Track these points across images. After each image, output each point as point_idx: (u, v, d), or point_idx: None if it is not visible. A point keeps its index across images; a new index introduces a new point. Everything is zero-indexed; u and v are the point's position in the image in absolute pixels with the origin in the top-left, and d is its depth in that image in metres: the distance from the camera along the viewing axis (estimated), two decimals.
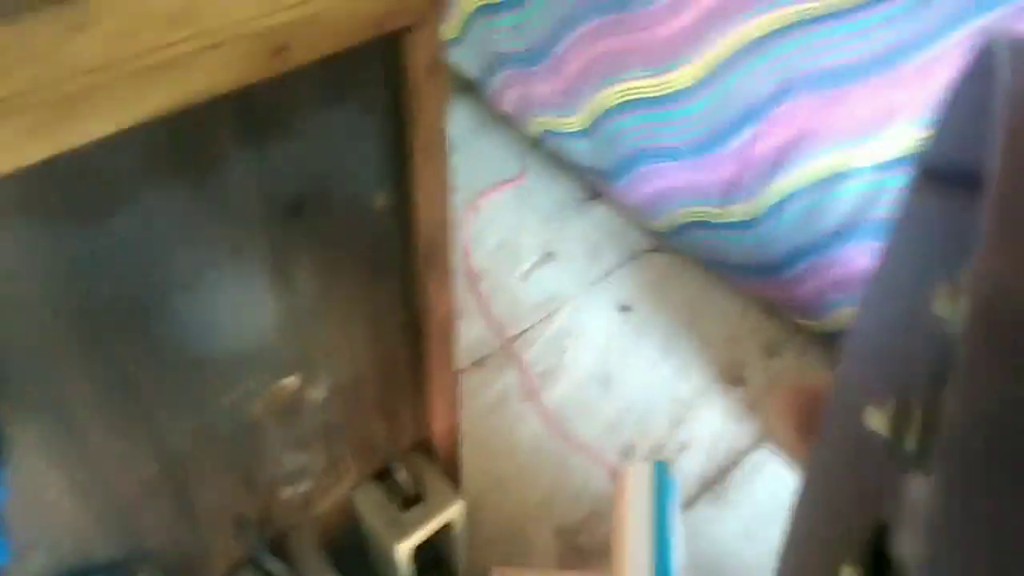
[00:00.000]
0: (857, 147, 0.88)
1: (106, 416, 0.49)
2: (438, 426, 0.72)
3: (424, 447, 0.74)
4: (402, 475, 0.69)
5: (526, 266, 1.24)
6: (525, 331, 1.15)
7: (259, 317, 0.54)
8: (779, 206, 0.94)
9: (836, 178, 0.90)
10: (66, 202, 0.40)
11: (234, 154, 0.45)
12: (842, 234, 0.89)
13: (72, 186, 0.40)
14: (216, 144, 0.45)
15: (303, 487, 0.66)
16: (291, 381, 0.58)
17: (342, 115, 0.49)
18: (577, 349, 1.12)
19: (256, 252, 0.51)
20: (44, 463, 0.48)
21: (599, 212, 1.31)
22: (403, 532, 0.68)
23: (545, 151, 1.36)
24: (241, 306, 0.52)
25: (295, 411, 0.60)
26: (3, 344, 0.42)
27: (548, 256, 1.25)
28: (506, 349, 1.12)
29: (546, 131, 1.27)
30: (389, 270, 0.59)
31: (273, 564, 0.63)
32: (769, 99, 0.94)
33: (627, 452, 1.00)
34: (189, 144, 0.43)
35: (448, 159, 0.55)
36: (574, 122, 1.19)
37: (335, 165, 0.51)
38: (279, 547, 0.65)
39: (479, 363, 1.10)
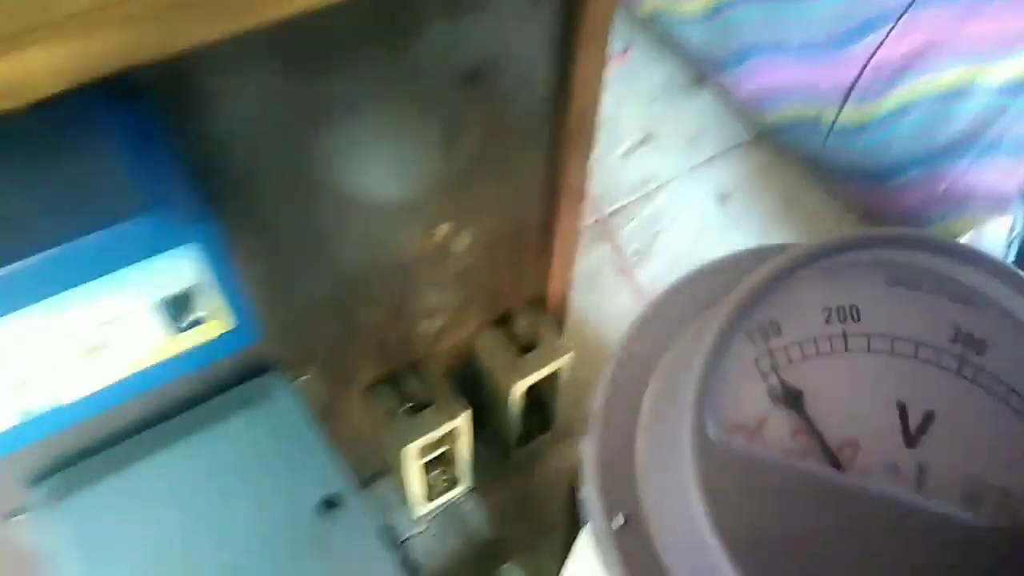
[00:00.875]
0: (985, 65, 0.89)
1: (298, 241, 0.58)
2: (555, 285, 0.80)
3: (540, 302, 0.82)
4: (521, 324, 0.78)
5: (625, 146, 1.27)
6: (621, 208, 1.20)
7: (428, 170, 0.61)
8: (896, 114, 0.96)
9: (959, 94, 0.91)
10: (292, 60, 0.47)
11: (429, 25, 0.51)
12: (956, 150, 0.91)
13: (296, 47, 0.47)
14: (416, 14, 0.50)
15: (437, 323, 0.75)
16: (444, 227, 0.66)
17: None
18: (671, 232, 1.18)
19: (434, 113, 0.57)
20: (249, 272, 0.57)
21: (704, 99, 1.33)
22: (519, 374, 0.77)
23: (654, 32, 1.36)
24: (415, 160, 0.59)
25: (443, 256, 0.68)
26: (229, 172, 0.50)
27: (648, 137, 1.29)
28: (601, 224, 1.18)
29: (659, 12, 1.27)
30: (539, 140, 0.65)
31: (407, 382, 0.73)
32: (901, 5, 0.94)
33: None
34: (393, 14, 0.49)
35: (607, 49, 0.60)
36: (691, 7, 1.19)
37: (511, 42, 0.56)
38: (412, 370, 0.75)
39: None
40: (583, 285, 1.12)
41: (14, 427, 0.40)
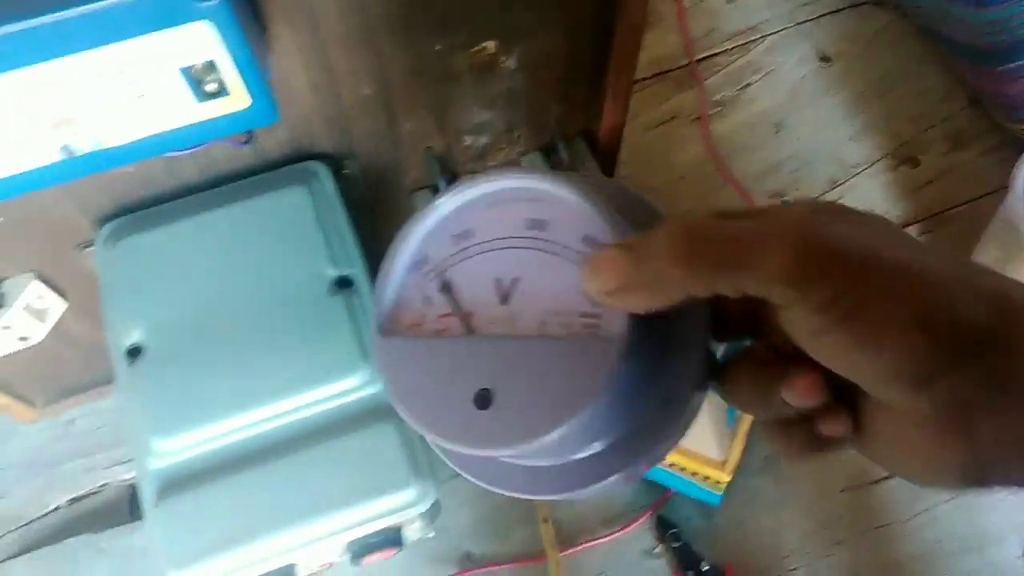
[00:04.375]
0: None
1: (345, 34, 0.61)
2: (606, 122, 0.81)
3: (590, 138, 0.83)
4: (564, 155, 0.79)
5: None
6: (715, 54, 1.16)
7: None
8: None
9: None
10: None
11: None
12: None
13: None
14: None
15: (482, 141, 0.78)
16: (490, 45, 0.67)
17: None
18: (761, 86, 1.13)
19: None
20: (295, 63, 0.61)
21: None
22: None
23: None
24: None
25: (489, 73, 0.70)
26: None
27: None
28: (691, 69, 1.14)
29: None
30: None
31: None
32: None
33: (775, 198, 1.06)
34: None
35: None
36: None
37: None
38: (453, 184, 0.79)
39: (660, 76, 1.14)
40: (654, 128, 1.11)
41: (64, 161, 0.47)
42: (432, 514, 0.61)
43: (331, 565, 0.63)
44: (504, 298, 0.28)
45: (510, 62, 0.70)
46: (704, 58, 1.16)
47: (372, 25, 0.61)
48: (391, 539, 0.61)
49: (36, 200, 0.61)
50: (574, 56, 0.72)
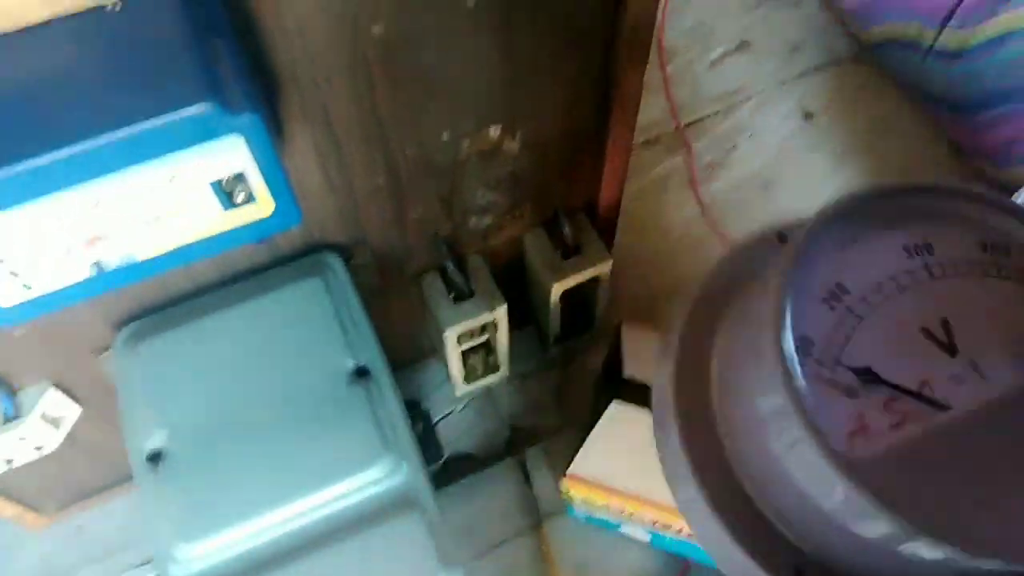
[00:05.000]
0: None
1: (357, 132, 0.62)
2: (606, 193, 0.82)
3: (589, 209, 0.85)
4: (567, 228, 0.81)
5: (717, 52, 1.24)
6: (702, 119, 1.19)
7: (481, 70, 0.63)
8: (994, 43, 0.90)
9: None
10: None
11: None
12: None
13: None
14: None
15: (487, 221, 0.79)
16: (494, 130, 0.69)
17: None
18: (749, 147, 1.16)
19: (489, 10, 0.59)
20: (311, 161, 0.62)
21: (806, 8, 1.27)
22: (560, 275, 0.81)
23: None
24: (469, 58, 0.62)
25: (493, 156, 0.71)
26: (294, 65, 0.54)
27: (743, 45, 1.25)
28: (679, 133, 1.17)
29: None
30: (593, 44, 0.66)
31: (455, 274, 0.78)
32: None
33: None
34: None
35: None
36: None
37: None
38: (460, 264, 0.80)
39: (651, 142, 1.17)
40: (651, 191, 1.13)
41: (94, 276, 0.47)
42: None
43: None
44: (949, 348, 0.22)
45: (514, 145, 0.71)
46: (691, 123, 1.19)
47: (383, 120, 0.62)
48: None
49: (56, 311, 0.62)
50: (575, 133, 0.74)
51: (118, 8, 0.43)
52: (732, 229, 1.09)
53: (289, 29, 0.52)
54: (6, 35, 0.41)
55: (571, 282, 0.82)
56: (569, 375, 0.99)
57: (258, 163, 0.45)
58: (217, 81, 0.42)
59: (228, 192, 0.46)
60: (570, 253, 0.82)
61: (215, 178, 0.45)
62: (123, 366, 0.65)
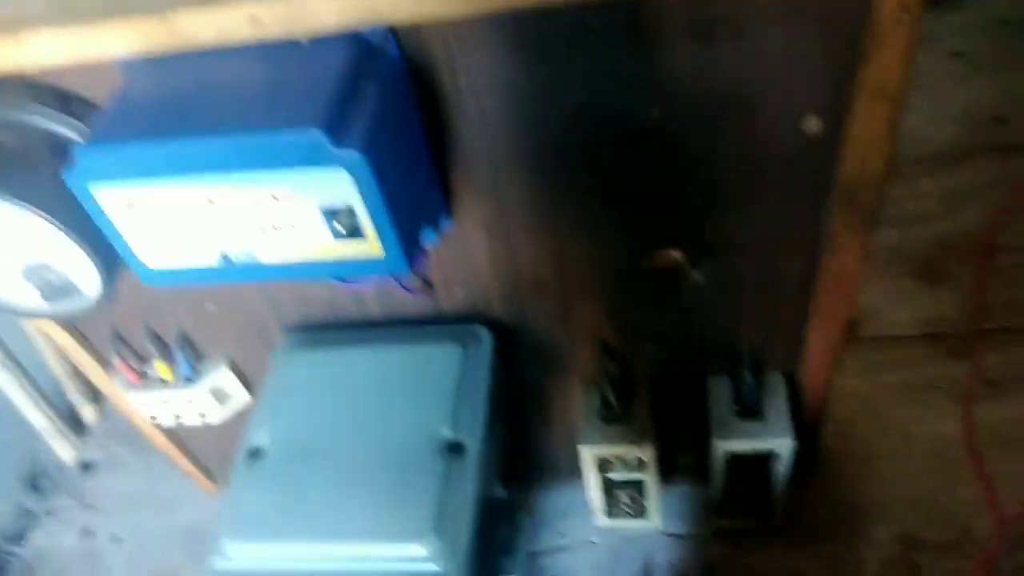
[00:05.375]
0: None
1: (527, 217, 0.63)
2: (811, 366, 0.72)
3: (792, 379, 0.74)
4: (749, 385, 0.71)
5: None
6: (1007, 329, 0.99)
7: (670, 197, 0.60)
8: None
9: None
10: (534, 48, 0.51)
11: (680, 42, 0.50)
12: None
13: (536, 39, 0.51)
14: (666, 31, 0.50)
15: (663, 352, 0.73)
16: (672, 254, 0.64)
17: (795, 26, 0.49)
18: None
19: (678, 137, 0.56)
20: (479, 234, 0.64)
21: None
22: (726, 434, 0.72)
23: None
24: (654, 186, 0.59)
25: (673, 281, 0.66)
26: (471, 144, 0.57)
27: None
28: (971, 339, 0.98)
29: None
30: (800, 194, 0.59)
31: (610, 393, 0.74)
32: None
33: None
34: (643, 27, 0.50)
35: (901, 103, 0.51)
36: None
37: (773, 68, 0.51)
38: (620, 385, 0.75)
39: (934, 337, 0.99)
40: (912, 389, 0.95)
41: (223, 266, 0.53)
42: None
43: None
44: None
45: (698, 277, 0.66)
46: (990, 330, 0.99)
47: (555, 212, 0.62)
48: None
49: (240, 295, 0.70)
50: (773, 284, 0.66)
51: (306, 44, 0.50)
52: (994, 467, 0.87)
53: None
54: (214, 49, 0.49)
55: (737, 446, 0.72)
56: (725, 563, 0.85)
57: (365, 202, 0.48)
58: (337, 116, 0.46)
59: (338, 222, 0.49)
60: (749, 414, 0.73)
61: (323, 205, 0.48)
62: (274, 367, 0.71)
